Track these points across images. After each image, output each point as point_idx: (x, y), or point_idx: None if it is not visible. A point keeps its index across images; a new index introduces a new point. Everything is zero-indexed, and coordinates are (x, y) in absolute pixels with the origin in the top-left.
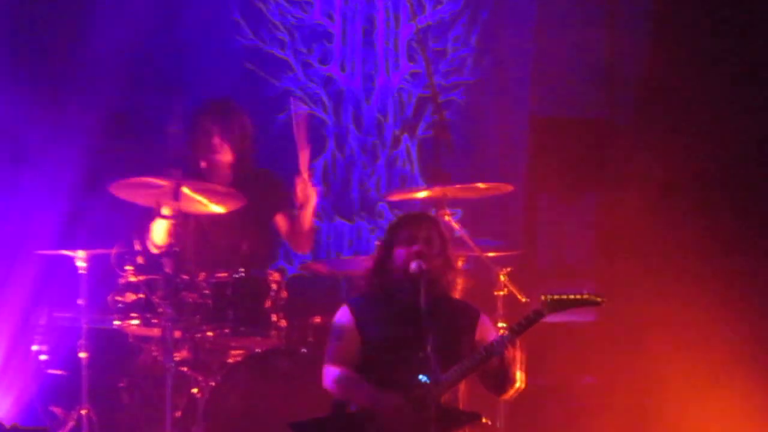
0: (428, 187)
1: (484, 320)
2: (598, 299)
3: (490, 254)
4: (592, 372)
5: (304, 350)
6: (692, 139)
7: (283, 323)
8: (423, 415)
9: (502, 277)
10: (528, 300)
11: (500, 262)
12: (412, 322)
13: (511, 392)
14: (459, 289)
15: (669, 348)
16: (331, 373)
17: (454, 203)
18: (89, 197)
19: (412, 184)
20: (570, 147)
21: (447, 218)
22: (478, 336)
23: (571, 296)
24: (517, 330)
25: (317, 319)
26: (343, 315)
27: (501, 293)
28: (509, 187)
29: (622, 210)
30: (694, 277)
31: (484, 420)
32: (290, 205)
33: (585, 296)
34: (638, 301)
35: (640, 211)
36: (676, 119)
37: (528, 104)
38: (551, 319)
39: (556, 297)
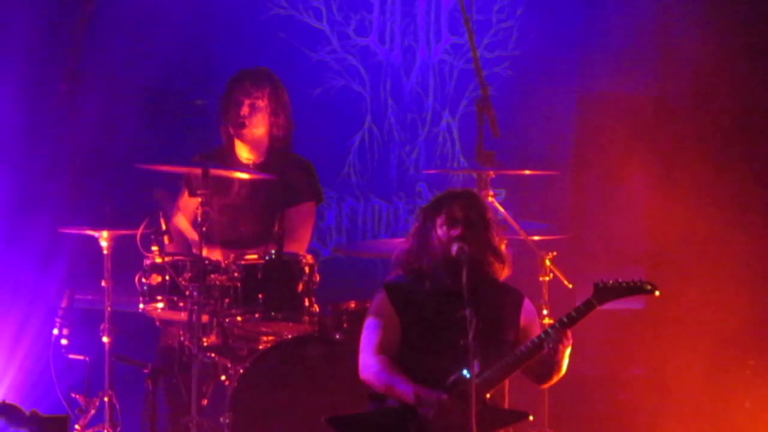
0: (470, 167)
1: (528, 304)
2: (653, 288)
3: (535, 238)
4: (640, 363)
5: (338, 337)
6: (749, 119)
7: (316, 308)
8: (467, 413)
9: (547, 262)
10: (574, 286)
11: (546, 246)
12: (454, 307)
13: (555, 381)
14: (503, 274)
15: (724, 338)
16: (369, 363)
17: (497, 183)
18: (115, 175)
19: (454, 163)
20: (620, 125)
21: (490, 199)
22: (522, 321)
23: (624, 284)
24: (567, 322)
25: (352, 304)
26: (380, 299)
27: (546, 279)
28: (555, 173)
29: (674, 192)
30: (753, 264)
31: (531, 418)
32: (317, 199)
33: (639, 284)
34: (691, 289)
35: (693, 192)
36: (731, 97)
37: (576, 79)
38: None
39: (609, 284)
